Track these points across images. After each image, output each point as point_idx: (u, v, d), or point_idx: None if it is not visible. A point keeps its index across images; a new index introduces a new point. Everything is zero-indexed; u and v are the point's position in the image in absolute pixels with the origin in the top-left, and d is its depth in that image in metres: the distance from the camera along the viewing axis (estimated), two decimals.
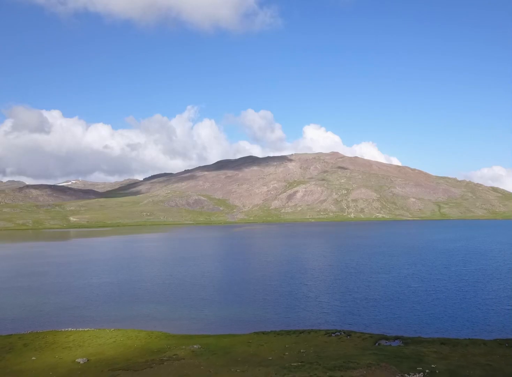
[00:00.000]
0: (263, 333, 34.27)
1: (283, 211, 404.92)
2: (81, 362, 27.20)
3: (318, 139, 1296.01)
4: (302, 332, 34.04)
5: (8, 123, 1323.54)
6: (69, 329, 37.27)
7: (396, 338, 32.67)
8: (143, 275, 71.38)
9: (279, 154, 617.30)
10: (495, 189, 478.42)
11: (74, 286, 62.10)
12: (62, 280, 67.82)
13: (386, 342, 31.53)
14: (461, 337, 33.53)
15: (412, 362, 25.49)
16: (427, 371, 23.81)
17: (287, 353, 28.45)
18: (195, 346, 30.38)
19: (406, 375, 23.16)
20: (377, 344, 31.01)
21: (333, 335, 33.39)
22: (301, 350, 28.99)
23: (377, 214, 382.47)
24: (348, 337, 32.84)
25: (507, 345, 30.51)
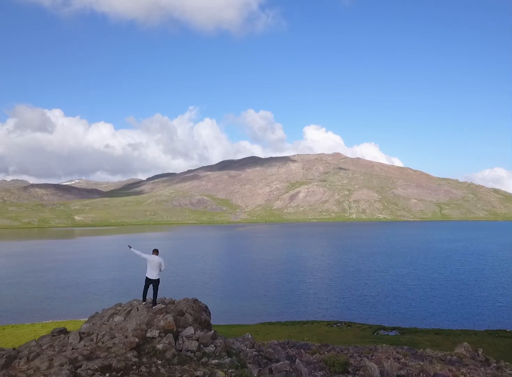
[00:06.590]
0: (269, 323, 36.70)
1: (285, 211, 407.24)
2: None
3: (319, 140, 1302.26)
4: (306, 322, 36.44)
5: (11, 122, 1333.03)
6: (85, 319, 39.76)
7: (393, 328, 35.04)
8: None
9: (281, 155, 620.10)
10: (496, 191, 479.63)
11: (81, 282, 64.47)
12: (69, 276, 70.20)
13: (384, 332, 33.90)
14: (454, 329, 35.82)
15: None
16: None
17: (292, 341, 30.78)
18: None
19: None
20: (375, 333, 33.37)
21: (334, 325, 35.78)
22: (305, 338, 31.29)
23: (379, 215, 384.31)
24: (349, 327, 35.20)
25: (496, 335, 32.86)
